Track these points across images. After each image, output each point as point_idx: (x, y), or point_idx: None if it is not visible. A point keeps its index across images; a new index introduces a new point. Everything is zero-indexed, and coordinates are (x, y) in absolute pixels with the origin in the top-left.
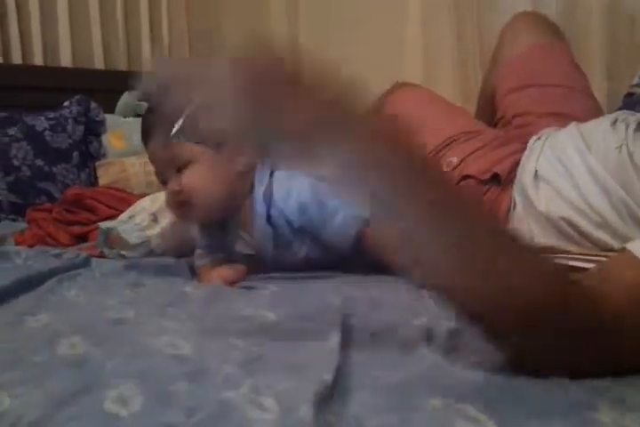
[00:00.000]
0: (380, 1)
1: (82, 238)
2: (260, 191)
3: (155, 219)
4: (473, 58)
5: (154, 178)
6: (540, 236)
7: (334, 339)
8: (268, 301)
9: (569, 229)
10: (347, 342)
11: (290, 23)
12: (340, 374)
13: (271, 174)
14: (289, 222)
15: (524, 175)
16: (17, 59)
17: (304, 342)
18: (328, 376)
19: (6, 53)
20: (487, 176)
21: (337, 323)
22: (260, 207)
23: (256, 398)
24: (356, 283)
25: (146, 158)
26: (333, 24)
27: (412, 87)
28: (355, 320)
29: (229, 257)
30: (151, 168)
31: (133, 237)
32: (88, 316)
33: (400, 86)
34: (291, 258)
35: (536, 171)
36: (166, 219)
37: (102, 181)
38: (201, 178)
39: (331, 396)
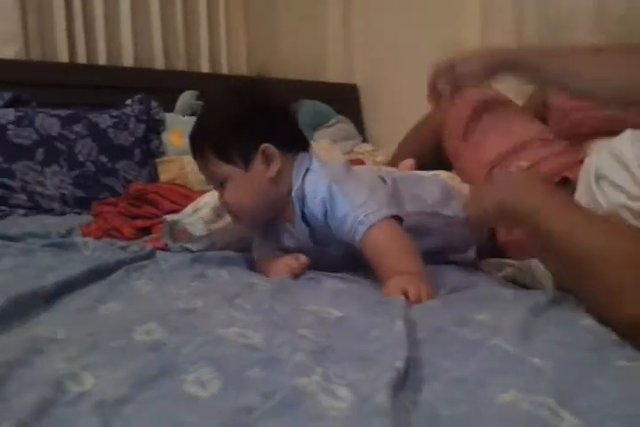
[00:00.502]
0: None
1: (145, 232)
2: (294, 191)
3: (219, 214)
4: None
5: None
6: None
7: (400, 331)
8: (330, 295)
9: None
10: (413, 336)
11: (345, 10)
12: (411, 364)
13: (304, 174)
14: (319, 221)
15: (588, 175)
16: (82, 59)
17: (371, 335)
18: (400, 364)
19: (72, 53)
20: (557, 179)
21: (400, 317)
22: (296, 206)
23: (329, 387)
24: None
25: None
26: (389, 15)
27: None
28: (417, 315)
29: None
30: None
31: (198, 230)
32: (158, 305)
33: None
34: (332, 254)
35: (597, 169)
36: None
37: (163, 177)
38: (237, 193)
39: (404, 384)
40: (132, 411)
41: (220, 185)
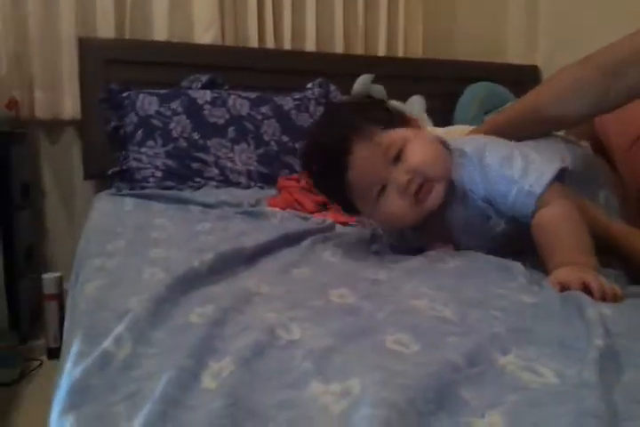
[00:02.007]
0: None
1: (324, 206)
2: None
3: None
4: None
5: None
6: None
7: (596, 321)
8: (518, 285)
9: None
10: (609, 328)
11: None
12: (610, 351)
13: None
14: (478, 200)
15: None
16: (270, 44)
17: (568, 322)
18: (601, 344)
19: (261, 39)
20: None
21: (595, 308)
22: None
23: (528, 364)
24: None
25: None
26: (578, 19)
27: None
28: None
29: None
30: None
31: None
32: (346, 273)
33: None
34: (486, 233)
35: None
36: None
37: None
38: (423, 148)
39: (606, 365)
40: (341, 359)
41: (396, 159)
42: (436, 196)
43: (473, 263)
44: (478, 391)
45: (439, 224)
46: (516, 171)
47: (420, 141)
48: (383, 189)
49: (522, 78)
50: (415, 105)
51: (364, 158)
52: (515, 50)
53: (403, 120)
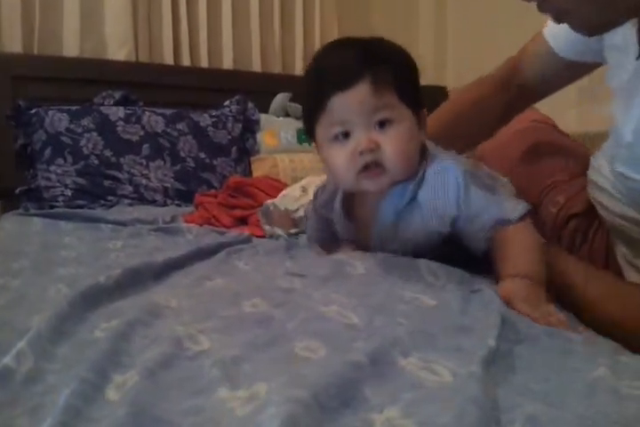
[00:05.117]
0: None
1: (242, 221)
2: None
3: (304, 190)
4: None
5: (299, 173)
6: None
7: (495, 325)
8: (423, 283)
9: None
10: (506, 335)
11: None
12: (500, 354)
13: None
14: (433, 211)
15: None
16: (186, 61)
17: (466, 325)
18: (492, 343)
19: (177, 56)
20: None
21: (496, 312)
22: (408, 189)
23: (427, 365)
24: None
25: (294, 156)
26: (484, 17)
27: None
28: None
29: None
30: (297, 165)
31: (290, 206)
32: (260, 283)
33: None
34: (408, 240)
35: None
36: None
37: (256, 174)
38: (403, 138)
39: (495, 362)
40: (250, 367)
41: (378, 126)
42: (375, 184)
43: (381, 266)
44: (379, 389)
45: (368, 212)
46: (497, 196)
47: (410, 133)
48: (346, 135)
49: (431, 99)
50: (277, 100)
51: (356, 98)
52: (424, 72)
53: (420, 113)
